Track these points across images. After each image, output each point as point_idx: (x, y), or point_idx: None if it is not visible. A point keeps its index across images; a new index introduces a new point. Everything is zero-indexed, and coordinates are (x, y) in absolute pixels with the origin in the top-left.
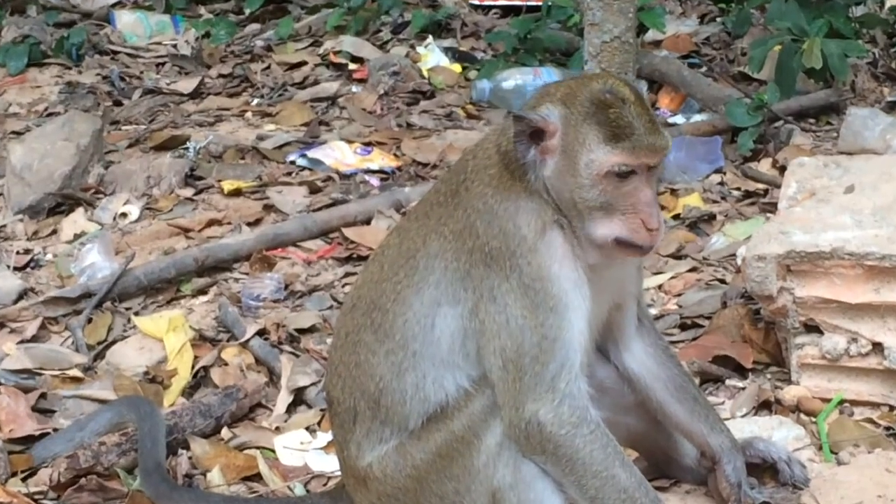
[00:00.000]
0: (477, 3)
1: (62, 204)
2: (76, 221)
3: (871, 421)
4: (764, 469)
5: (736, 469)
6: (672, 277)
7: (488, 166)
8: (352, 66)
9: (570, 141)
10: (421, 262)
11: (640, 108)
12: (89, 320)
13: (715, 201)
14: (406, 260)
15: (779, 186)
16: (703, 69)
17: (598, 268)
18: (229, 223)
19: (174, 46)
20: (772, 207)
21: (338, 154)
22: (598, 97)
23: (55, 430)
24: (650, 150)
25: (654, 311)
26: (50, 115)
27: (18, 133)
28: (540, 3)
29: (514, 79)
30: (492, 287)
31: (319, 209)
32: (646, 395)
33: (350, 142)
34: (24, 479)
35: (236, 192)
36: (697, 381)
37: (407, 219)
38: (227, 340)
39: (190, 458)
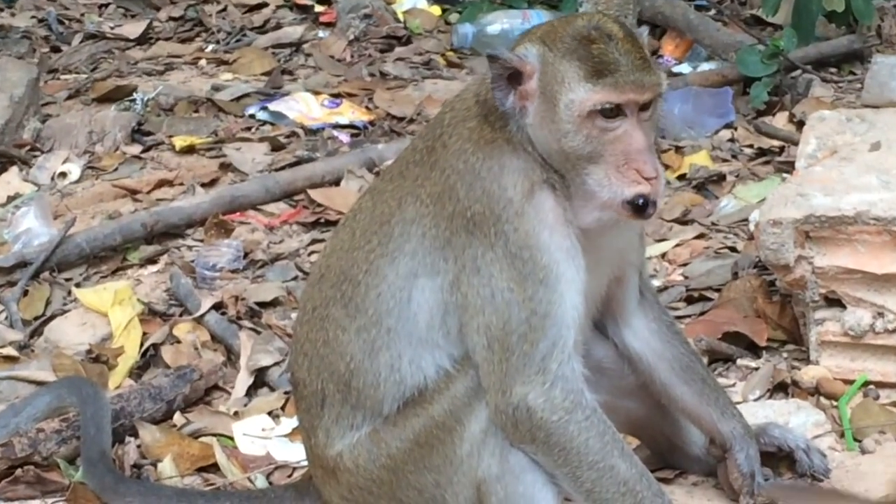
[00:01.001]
0: None
1: None
2: (10, 182)
3: None
4: (780, 458)
5: (749, 458)
6: (677, 245)
7: (467, 118)
8: (318, 9)
9: (549, 81)
10: (396, 229)
11: (628, 44)
12: (25, 293)
13: (725, 160)
14: (380, 226)
15: (796, 144)
16: (712, 12)
17: (594, 234)
18: (182, 184)
19: None
20: (788, 167)
21: (303, 107)
22: (581, 33)
23: None
24: (637, 86)
25: (657, 283)
26: None
27: None
28: None
29: (500, 23)
30: (475, 256)
31: (282, 168)
32: (649, 375)
33: (316, 93)
34: None
35: (189, 150)
36: (705, 360)
37: (381, 179)
38: (180, 315)
39: (138, 446)
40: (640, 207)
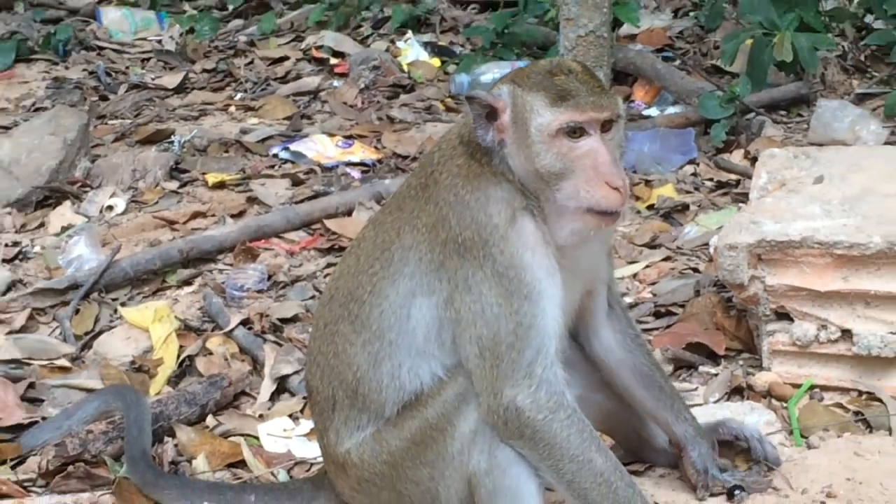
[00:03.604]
0: None
1: (49, 197)
2: (63, 214)
3: (840, 406)
4: (737, 452)
5: (701, 455)
6: (646, 266)
7: (454, 156)
8: (333, 61)
9: (520, 112)
10: (396, 254)
11: (587, 76)
12: (77, 311)
13: (688, 192)
14: (381, 252)
15: (750, 177)
16: (677, 62)
17: (569, 251)
18: (213, 215)
19: (159, 42)
20: (743, 197)
21: (319, 147)
22: (545, 69)
23: (43, 418)
24: (596, 106)
25: (629, 300)
26: (37, 109)
27: (6, 128)
28: None
29: (492, 72)
30: (466, 277)
31: (302, 201)
32: (612, 380)
33: (331, 135)
34: (13, 467)
35: (220, 185)
36: (671, 367)
37: (382, 212)
38: (212, 330)
39: (175, 445)
40: (608, 213)
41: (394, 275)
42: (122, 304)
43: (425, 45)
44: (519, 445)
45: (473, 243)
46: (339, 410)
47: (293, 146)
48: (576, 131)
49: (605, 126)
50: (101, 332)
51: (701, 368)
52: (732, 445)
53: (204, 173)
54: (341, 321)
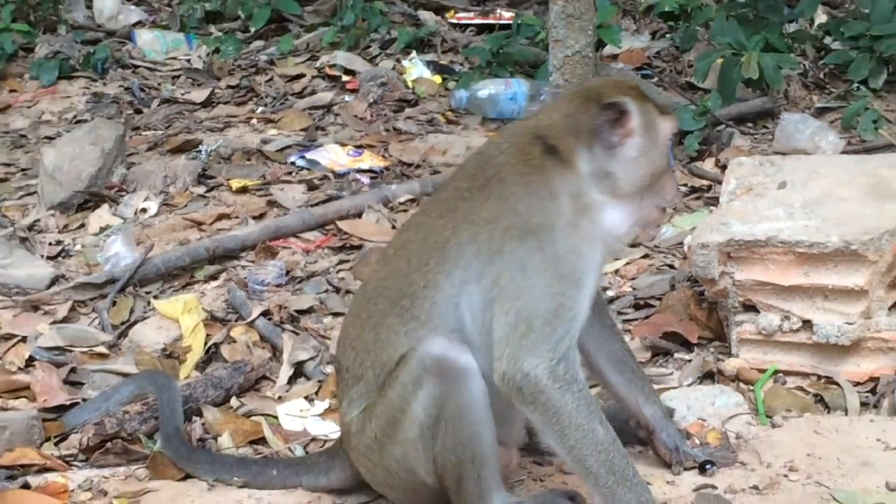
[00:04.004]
0: (455, 21)
1: (89, 201)
2: (101, 216)
3: (801, 389)
4: (707, 431)
5: (670, 435)
6: (627, 263)
7: (527, 154)
8: (345, 78)
9: (645, 120)
10: (452, 251)
11: None
12: (114, 303)
13: None
14: (436, 251)
15: (720, 183)
16: (655, 80)
17: (611, 248)
18: (237, 217)
19: (188, 61)
20: (714, 201)
21: (332, 155)
22: (631, 84)
23: (84, 400)
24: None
25: (610, 293)
26: (78, 122)
27: (50, 138)
28: (510, 22)
29: (488, 89)
30: (523, 258)
31: (316, 204)
32: (588, 364)
33: (343, 145)
34: (56, 444)
35: (243, 190)
36: (649, 354)
37: (424, 215)
38: (236, 320)
39: (203, 424)
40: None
41: (449, 269)
42: (155, 297)
43: (428, 63)
44: (529, 411)
45: (539, 227)
46: (361, 385)
47: (309, 155)
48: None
49: None
50: (135, 322)
51: (676, 355)
52: (703, 426)
53: (228, 179)
54: (388, 315)
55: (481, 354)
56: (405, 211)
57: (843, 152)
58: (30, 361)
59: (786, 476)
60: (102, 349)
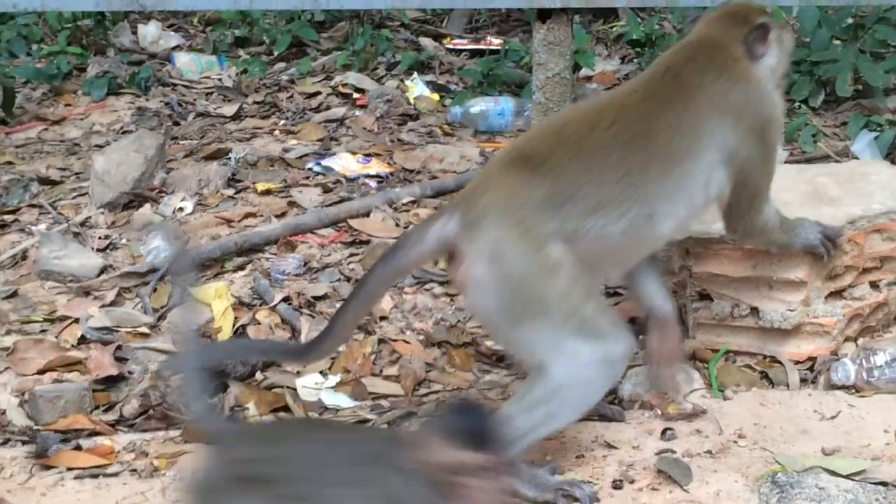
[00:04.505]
0: (451, 47)
1: (133, 201)
2: (144, 214)
3: (749, 367)
4: (668, 403)
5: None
6: None
7: (727, 62)
8: (356, 96)
9: (780, 35)
10: (705, 136)
11: None
12: (154, 290)
13: None
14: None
15: None
16: None
17: None
18: (262, 216)
19: (220, 80)
20: None
21: (344, 163)
22: (766, 8)
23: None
24: None
25: None
26: (124, 132)
27: (100, 146)
28: (499, 48)
29: (480, 105)
30: (756, 149)
31: (330, 205)
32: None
33: (354, 153)
34: (104, 412)
35: (267, 192)
36: None
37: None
38: (260, 305)
39: (234, 395)
40: None
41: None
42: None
43: (427, 83)
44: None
45: (768, 124)
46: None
47: (324, 162)
48: None
49: None
50: (173, 307)
51: (640, 337)
52: (664, 397)
53: (254, 183)
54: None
55: (689, 210)
56: (407, 211)
57: (786, 162)
58: (82, 340)
59: (735, 442)
60: (145, 329)
